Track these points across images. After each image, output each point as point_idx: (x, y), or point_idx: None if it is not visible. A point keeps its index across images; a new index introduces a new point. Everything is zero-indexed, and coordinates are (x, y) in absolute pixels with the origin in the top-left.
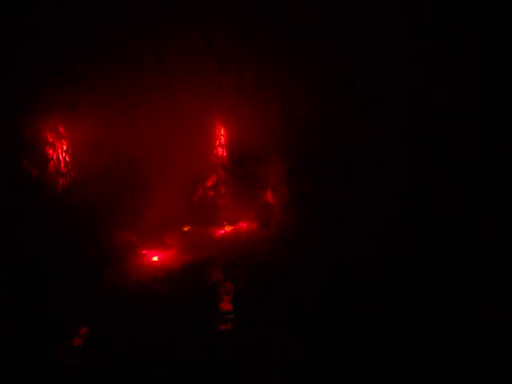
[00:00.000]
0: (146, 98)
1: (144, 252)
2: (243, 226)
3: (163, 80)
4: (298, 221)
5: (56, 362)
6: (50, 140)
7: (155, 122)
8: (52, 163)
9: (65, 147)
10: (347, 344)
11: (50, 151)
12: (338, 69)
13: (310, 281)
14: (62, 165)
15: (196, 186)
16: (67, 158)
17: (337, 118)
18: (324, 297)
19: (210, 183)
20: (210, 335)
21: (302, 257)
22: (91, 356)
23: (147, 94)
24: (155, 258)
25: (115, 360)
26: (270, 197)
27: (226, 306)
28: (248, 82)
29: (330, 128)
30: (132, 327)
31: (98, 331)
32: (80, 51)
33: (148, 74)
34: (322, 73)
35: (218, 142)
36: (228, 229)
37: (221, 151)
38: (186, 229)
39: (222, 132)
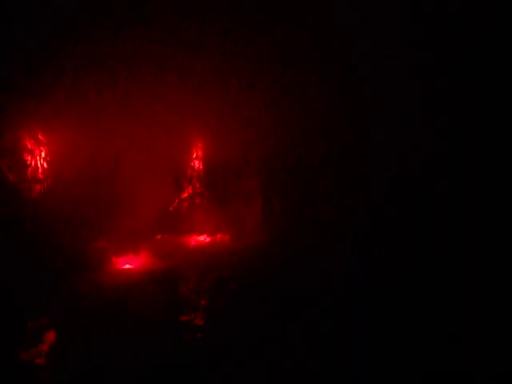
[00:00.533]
0: (126, 107)
1: (117, 259)
2: (217, 237)
3: (142, 90)
4: (274, 232)
5: (23, 369)
6: (29, 147)
7: (133, 131)
8: (30, 169)
9: (43, 154)
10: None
11: (29, 157)
12: (327, 75)
13: (284, 292)
14: (40, 171)
15: (172, 197)
16: (45, 165)
17: (316, 133)
18: (304, 305)
19: (185, 194)
20: (179, 344)
21: (277, 268)
22: (59, 364)
23: (127, 104)
24: (128, 266)
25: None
26: (244, 209)
27: (196, 315)
28: (229, 94)
29: (308, 142)
30: (104, 335)
31: (69, 339)
32: (61, 56)
33: (129, 83)
34: (306, 84)
35: (194, 155)
36: (202, 239)
37: (197, 164)
38: (159, 238)
39: (199, 145)
